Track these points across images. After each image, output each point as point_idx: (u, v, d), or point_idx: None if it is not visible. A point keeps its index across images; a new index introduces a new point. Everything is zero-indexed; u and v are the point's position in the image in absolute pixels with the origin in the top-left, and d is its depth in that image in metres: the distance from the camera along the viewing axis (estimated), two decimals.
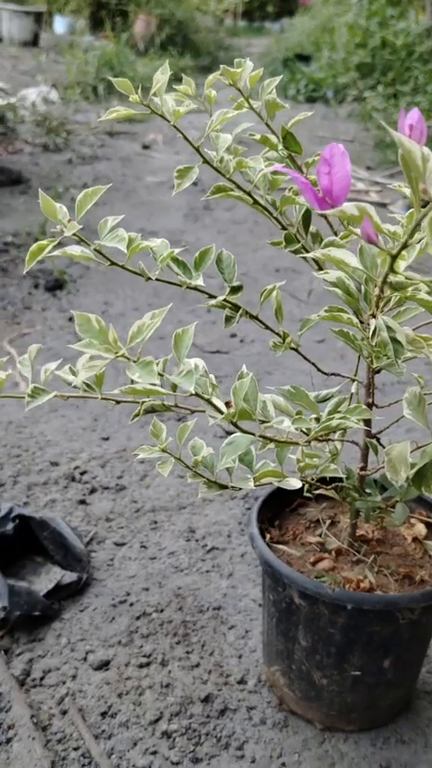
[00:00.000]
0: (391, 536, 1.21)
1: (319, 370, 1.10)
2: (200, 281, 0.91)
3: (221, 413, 0.79)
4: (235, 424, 0.81)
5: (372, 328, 0.81)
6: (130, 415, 1.98)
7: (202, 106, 1.07)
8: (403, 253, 0.67)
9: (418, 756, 1.13)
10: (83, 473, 1.75)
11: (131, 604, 1.38)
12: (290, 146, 0.99)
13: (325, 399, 1.15)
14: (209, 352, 2.46)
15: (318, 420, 0.90)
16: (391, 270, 0.63)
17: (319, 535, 1.19)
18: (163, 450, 0.93)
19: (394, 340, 0.76)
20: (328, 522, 1.22)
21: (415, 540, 1.19)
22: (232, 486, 0.96)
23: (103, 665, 1.25)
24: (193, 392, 0.69)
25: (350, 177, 0.61)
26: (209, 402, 0.79)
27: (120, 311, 2.74)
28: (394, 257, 0.61)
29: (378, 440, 1.13)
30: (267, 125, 1.00)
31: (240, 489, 0.96)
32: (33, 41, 9.89)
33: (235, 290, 0.97)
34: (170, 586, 1.43)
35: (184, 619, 1.35)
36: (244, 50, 12.64)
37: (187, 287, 0.93)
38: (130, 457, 1.83)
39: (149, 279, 0.94)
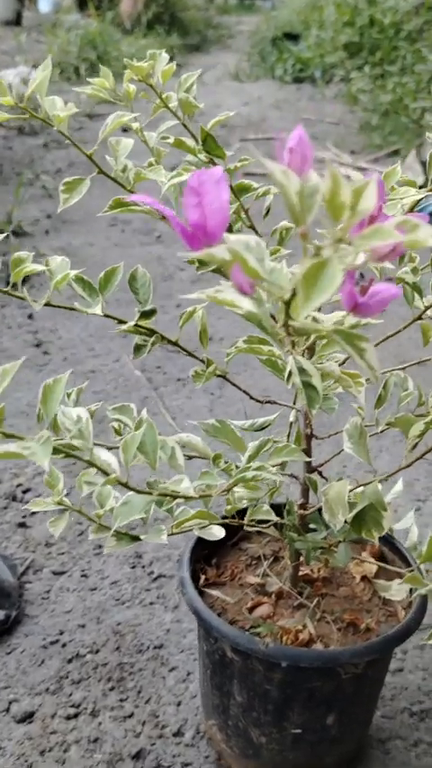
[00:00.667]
0: (338, 575, 1.09)
1: (251, 397, 0.98)
2: (98, 309, 0.79)
3: (107, 474, 0.67)
4: (126, 485, 0.69)
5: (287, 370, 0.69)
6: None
7: (122, 102, 0.95)
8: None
9: None
10: (26, 491, 1.64)
11: (64, 645, 1.26)
12: (211, 149, 0.87)
13: (262, 428, 1.04)
14: (171, 353, 2.34)
15: (230, 471, 0.78)
16: (288, 317, 0.51)
17: (260, 575, 1.07)
18: (59, 504, 0.81)
19: (308, 385, 0.64)
20: (271, 558, 1.11)
21: (364, 578, 1.08)
22: (146, 539, 0.84)
23: (27, 717, 1.14)
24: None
25: (227, 208, 0.49)
26: (89, 463, 0.67)
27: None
28: (287, 303, 0.49)
29: (320, 473, 1.01)
30: (185, 126, 0.88)
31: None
32: (16, 20, 9.66)
33: (147, 314, 0.85)
34: (109, 622, 1.31)
35: (121, 660, 1.24)
36: (234, 29, 12.43)
37: (87, 313, 0.81)
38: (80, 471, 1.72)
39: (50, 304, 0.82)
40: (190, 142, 0.86)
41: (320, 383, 0.63)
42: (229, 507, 0.93)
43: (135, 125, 0.95)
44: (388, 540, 1.12)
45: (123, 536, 0.86)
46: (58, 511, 0.83)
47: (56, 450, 0.64)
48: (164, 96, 0.86)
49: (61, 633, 1.29)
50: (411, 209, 0.80)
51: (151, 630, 1.30)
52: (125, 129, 4.12)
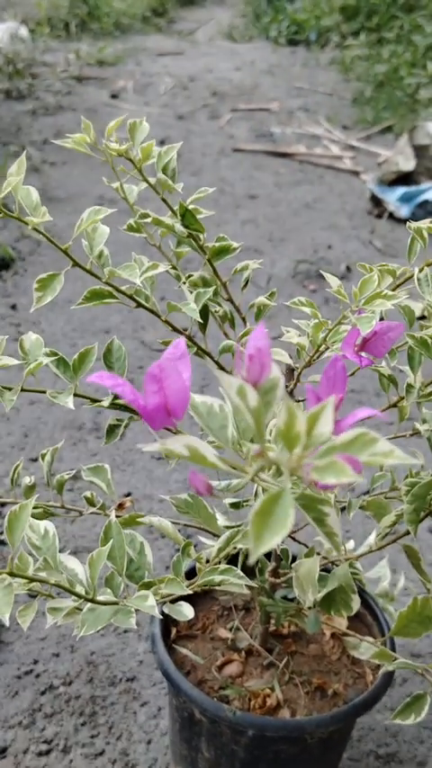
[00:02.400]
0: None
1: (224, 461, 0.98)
2: (69, 401, 0.78)
3: (78, 595, 0.68)
4: (93, 600, 0.69)
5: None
6: (64, 429, 1.85)
7: (103, 157, 0.93)
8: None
9: None
10: (3, 505, 1.64)
11: (38, 675, 1.28)
12: (190, 224, 0.85)
13: (237, 490, 1.04)
14: (157, 351, 2.33)
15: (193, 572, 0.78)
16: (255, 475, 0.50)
17: (232, 629, 1.08)
18: (29, 591, 0.82)
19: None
20: (243, 610, 1.12)
21: (333, 635, 1.10)
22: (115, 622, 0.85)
23: (0, 752, 1.16)
24: (6, 624, 0.58)
25: (188, 386, 0.48)
26: (57, 586, 0.67)
27: (68, 297, 2.58)
28: (248, 480, 0.49)
29: (294, 539, 1.02)
30: (164, 201, 0.86)
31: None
32: None
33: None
34: (83, 651, 1.33)
35: (94, 693, 1.26)
36: None
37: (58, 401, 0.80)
38: None
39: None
40: (168, 220, 0.84)
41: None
42: (200, 580, 0.94)
43: (115, 185, 0.93)
44: (359, 593, 1.13)
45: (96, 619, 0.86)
46: (27, 596, 0.83)
47: (22, 585, 0.64)
48: (138, 162, 0.84)
49: (35, 662, 1.30)
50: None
51: (124, 661, 1.32)
52: (114, 96, 4.01)
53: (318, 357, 0.81)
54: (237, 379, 0.43)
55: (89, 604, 0.71)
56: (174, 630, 1.08)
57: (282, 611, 0.99)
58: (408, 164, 3.42)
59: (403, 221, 3.16)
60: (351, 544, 1.00)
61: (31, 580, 0.65)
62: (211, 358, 0.87)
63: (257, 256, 3.00)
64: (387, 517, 0.84)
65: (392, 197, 3.26)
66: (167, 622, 1.08)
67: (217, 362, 0.88)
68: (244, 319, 0.92)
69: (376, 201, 3.37)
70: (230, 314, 0.94)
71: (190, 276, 0.86)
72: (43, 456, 0.96)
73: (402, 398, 0.83)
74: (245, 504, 1.03)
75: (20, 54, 5.13)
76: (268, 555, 1.10)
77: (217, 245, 0.87)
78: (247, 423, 0.43)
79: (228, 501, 0.98)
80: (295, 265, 2.81)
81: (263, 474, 0.51)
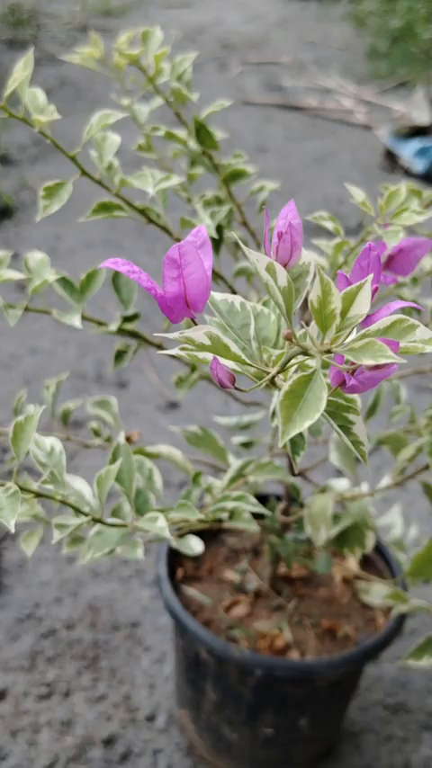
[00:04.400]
0: (318, 575, 1.07)
1: (236, 399, 0.94)
2: (76, 320, 0.73)
3: (85, 514, 0.64)
4: (101, 521, 0.65)
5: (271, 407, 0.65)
6: (66, 379, 1.81)
7: (113, 74, 0.88)
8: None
9: None
10: (5, 450, 1.60)
11: (39, 619, 1.25)
12: (204, 141, 0.80)
13: (248, 426, 1.00)
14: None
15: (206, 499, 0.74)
16: (272, 383, 0.46)
17: (239, 571, 1.05)
18: (34, 516, 0.78)
19: None
20: (251, 553, 1.08)
21: (344, 580, 1.06)
22: (122, 553, 0.81)
23: (0, 696, 1.14)
24: (11, 530, 0.54)
25: (209, 277, 0.43)
26: (62, 503, 0.63)
27: (71, 247, 2.53)
28: (272, 378, 0.45)
29: (306, 477, 0.98)
30: (177, 115, 0.81)
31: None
32: None
33: (129, 319, 0.80)
34: (85, 596, 1.30)
35: (96, 638, 1.23)
36: None
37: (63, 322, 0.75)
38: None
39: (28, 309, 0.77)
40: (182, 134, 0.79)
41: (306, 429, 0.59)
42: (208, 516, 0.90)
43: (125, 101, 0.88)
44: None
45: None
46: (32, 523, 0.79)
47: (26, 492, 0.60)
48: (152, 75, 0.79)
49: (37, 606, 1.27)
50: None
51: (127, 607, 1.29)
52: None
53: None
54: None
55: (96, 527, 0.67)
56: (180, 572, 1.05)
57: (292, 551, 0.96)
58: (423, 117, 3.34)
59: (417, 176, 3.09)
60: (365, 486, 0.96)
61: (37, 495, 0.61)
62: (225, 281, 0.83)
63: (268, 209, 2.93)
64: (406, 449, 0.80)
65: (407, 151, 3.18)
66: (173, 563, 1.05)
67: (230, 287, 0.83)
68: (259, 244, 0.88)
69: (390, 156, 3.29)
70: (245, 240, 0.89)
71: (203, 196, 0.82)
72: (47, 387, 0.92)
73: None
74: (256, 443, 0.99)
75: (24, 4, 5.01)
76: (278, 497, 1.06)
77: (233, 162, 0.82)
78: (276, 302, 0.39)
79: (238, 440, 0.94)
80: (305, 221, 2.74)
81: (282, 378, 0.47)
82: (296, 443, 0.61)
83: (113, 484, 0.68)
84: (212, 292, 0.50)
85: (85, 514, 0.64)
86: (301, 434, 0.61)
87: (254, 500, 0.72)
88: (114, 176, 0.71)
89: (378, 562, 1.07)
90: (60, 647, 1.21)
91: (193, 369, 0.85)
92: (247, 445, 0.97)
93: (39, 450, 0.64)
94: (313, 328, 0.39)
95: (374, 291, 0.44)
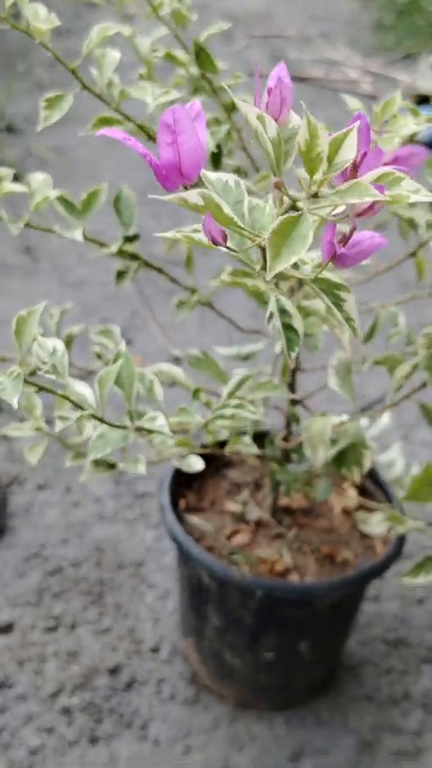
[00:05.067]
0: (318, 506, 1.09)
1: (236, 327, 0.96)
2: (78, 234, 0.75)
3: (82, 408, 0.65)
4: (102, 420, 0.67)
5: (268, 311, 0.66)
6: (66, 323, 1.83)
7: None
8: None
9: (335, 740, 1.05)
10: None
11: (46, 558, 1.28)
12: (204, 64, 0.81)
13: (247, 357, 1.02)
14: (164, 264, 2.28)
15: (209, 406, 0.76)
16: (266, 263, 0.48)
17: (240, 502, 1.07)
18: (38, 429, 0.80)
19: (288, 327, 0.61)
20: (252, 486, 1.10)
21: (344, 511, 1.08)
22: (123, 467, 0.83)
23: (7, 628, 1.16)
24: (15, 406, 0.56)
25: (203, 147, 0.45)
26: (64, 397, 0.65)
27: None
28: (264, 250, 0.46)
29: (304, 406, 1.00)
30: (177, 37, 0.82)
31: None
32: None
33: (130, 239, 0.82)
34: (91, 538, 1.32)
35: (102, 576, 1.25)
36: None
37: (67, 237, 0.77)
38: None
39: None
40: (182, 55, 0.81)
41: (301, 325, 0.60)
42: (209, 439, 0.92)
43: (126, 31, 0.89)
44: (370, 472, 1.11)
45: (101, 464, 0.85)
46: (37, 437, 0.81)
47: (29, 384, 0.62)
48: (156, 3, 0.80)
49: (43, 546, 1.30)
50: (412, 139, 0.75)
51: (132, 548, 1.31)
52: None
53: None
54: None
55: (98, 430, 0.69)
56: (182, 503, 1.07)
57: (292, 479, 0.97)
58: (428, 85, 3.33)
59: (422, 144, 3.09)
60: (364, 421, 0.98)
61: (39, 388, 0.63)
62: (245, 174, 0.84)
63: None
64: (402, 367, 0.81)
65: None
66: (176, 494, 1.07)
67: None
68: (257, 170, 0.89)
69: None
70: (243, 169, 0.91)
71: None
72: (52, 316, 0.93)
73: (423, 245, 0.80)
74: (256, 374, 1.01)
75: None
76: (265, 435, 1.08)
77: (232, 83, 0.83)
78: (266, 151, 0.41)
79: (239, 352, 0.95)
80: None
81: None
82: (291, 341, 0.63)
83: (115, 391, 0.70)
84: (205, 172, 0.51)
85: (84, 410, 0.65)
86: (295, 332, 0.62)
87: (251, 407, 0.74)
88: (114, 91, 0.72)
89: (377, 494, 1.09)
90: (66, 584, 1.23)
91: (193, 292, 0.87)
92: (247, 357, 0.99)
93: (42, 350, 0.66)
94: (302, 175, 0.40)
95: (364, 156, 0.46)
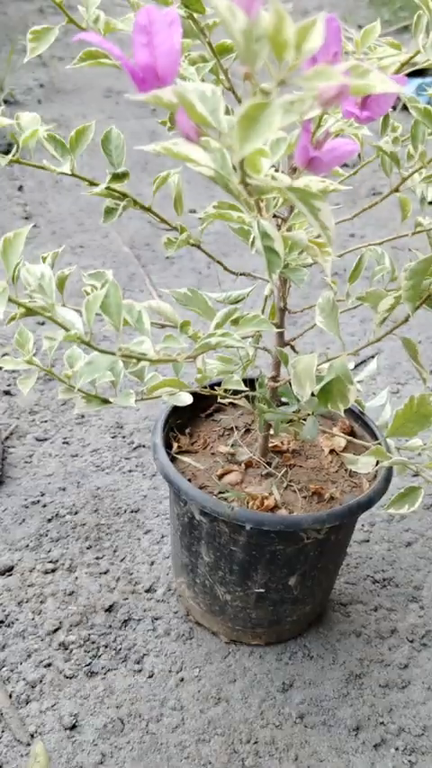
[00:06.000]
0: (307, 447, 1.12)
1: (225, 268, 0.98)
2: (66, 167, 0.78)
3: (67, 330, 0.68)
4: (88, 344, 0.70)
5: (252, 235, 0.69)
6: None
7: None
8: (265, 149, 0.54)
9: (324, 673, 1.09)
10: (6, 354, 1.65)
11: (45, 505, 1.31)
12: (189, 3, 0.83)
13: (237, 301, 1.04)
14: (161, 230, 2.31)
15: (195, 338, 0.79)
16: (244, 173, 0.50)
17: (231, 445, 1.10)
18: (29, 362, 0.83)
19: (269, 249, 0.64)
20: (243, 430, 1.14)
21: (332, 452, 1.11)
22: (115, 402, 0.86)
23: (7, 571, 1.20)
24: (1, 316, 0.59)
25: (178, 51, 0.47)
26: (51, 320, 0.68)
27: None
28: (241, 162, 0.49)
29: (293, 347, 1.03)
30: None
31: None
32: None
33: (119, 176, 0.84)
34: (89, 486, 1.36)
35: (99, 522, 1.29)
36: None
37: (57, 173, 0.80)
38: None
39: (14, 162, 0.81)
40: None
41: (282, 248, 0.63)
42: (199, 376, 0.95)
43: None
44: (359, 416, 1.14)
45: (93, 398, 0.88)
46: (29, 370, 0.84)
47: (15, 302, 0.65)
48: None
49: (42, 494, 1.33)
50: (398, 72, 0.77)
51: (129, 496, 1.34)
52: None
53: (320, 128, 0.81)
54: None
55: (86, 358, 0.71)
56: (175, 446, 1.10)
57: (280, 419, 1.00)
58: (424, 57, 3.33)
59: None
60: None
61: (27, 310, 0.66)
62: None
63: None
64: (385, 300, 0.84)
65: (408, 89, 3.18)
66: (169, 437, 1.10)
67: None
68: None
69: None
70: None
71: (188, 55, 0.85)
72: (44, 258, 0.96)
73: (405, 180, 0.83)
74: (246, 297, 1.03)
75: None
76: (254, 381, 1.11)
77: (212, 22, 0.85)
78: (236, 41, 0.43)
79: (228, 295, 0.98)
80: None
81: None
82: (272, 263, 0.66)
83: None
84: (180, 80, 0.54)
85: (71, 333, 0.68)
86: (276, 254, 0.65)
87: (238, 336, 0.76)
88: (100, 25, 0.75)
89: (365, 437, 1.12)
90: (65, 530, 1.27)
91: (182, 230, 0.89)
92: (236, 301, 1.01)
93: (30, 275, 0.68)
94: (272, 63, 0.43)
95: (335, 55, 0.48)
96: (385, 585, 1.22)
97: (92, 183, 0.84)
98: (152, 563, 1.23)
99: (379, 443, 1.05)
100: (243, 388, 0.94)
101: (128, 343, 0.70)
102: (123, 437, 1.48)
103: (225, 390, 1.03)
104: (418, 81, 3.21)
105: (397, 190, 0.85)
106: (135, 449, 1.45)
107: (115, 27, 0.74)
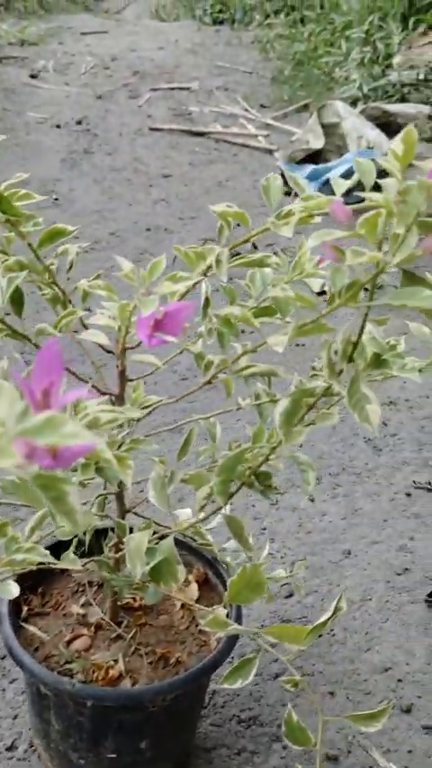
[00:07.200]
0: (160, 602, 1.13)
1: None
2: None
3: None
4: None
5: None
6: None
7: None
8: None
9: None
10: None
11: None
12: (6, 210, 0.85)
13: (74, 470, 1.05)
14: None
15: None
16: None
17: (83, 604, 1.11)
18: None
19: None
20: (96, 586, 1.14)
21: (184, 606, 1.12)
22: None
23: None
24: None
25: None
26: None
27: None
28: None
29: (137, 513, 1.04)
30: None
31: None
32: None
33: None
34: None
35: None
36: None
37: None
38: None
39: None
40: None
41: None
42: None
43: None
44: (212, 563, 1.16)
45: None
46: None
47: None
48: None
49: None
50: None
51: None
52: (33, 76, 3.98)
53: (126, 337, 0.83)
54: None
55: None
56: (25, 609, 1.10)
57: (124, 585, 1.02)
58: (317, 142, 3.45)
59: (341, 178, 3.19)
60: (188, 512, 1.03)
61: None
62: (29, 340, 0.89)
63: (167, 235, 3.00)
64: (202, 489, 0.86)
65: (301, 175, 3.29)
66: (19, 601, 1.10)
67: (35, 344, 0.89)
68: (68, 302, 0.94)
69: (285, 180, 3.39)
70: (62, 297, 0.95)
71: (5, 260, 0.87)
72: None
73: (213, 377, 0.86)
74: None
75: None
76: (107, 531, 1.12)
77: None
78: None
79: None
80: (202, 243, 2.82)
81: None
82: None
83: None
84: None
85: None
86: None
87: (44, 550, 0.77)
88: None
89: (218, 587, 1.14)
90: None
91: None
92: None
93: None
94: None
95: (53, 384, 0.50)
96: (250, 725, 1.23)
97: None
98: (15, 716, 1.21)
99: (225, 603, 1.06)
100: (77, 566, 0.95)
101: None
102: None
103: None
104: (310, 167, 3.33)
105: (209, 382, 0.88)
106: None
107: None
